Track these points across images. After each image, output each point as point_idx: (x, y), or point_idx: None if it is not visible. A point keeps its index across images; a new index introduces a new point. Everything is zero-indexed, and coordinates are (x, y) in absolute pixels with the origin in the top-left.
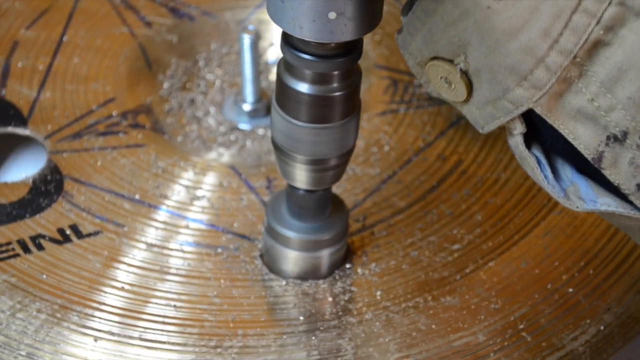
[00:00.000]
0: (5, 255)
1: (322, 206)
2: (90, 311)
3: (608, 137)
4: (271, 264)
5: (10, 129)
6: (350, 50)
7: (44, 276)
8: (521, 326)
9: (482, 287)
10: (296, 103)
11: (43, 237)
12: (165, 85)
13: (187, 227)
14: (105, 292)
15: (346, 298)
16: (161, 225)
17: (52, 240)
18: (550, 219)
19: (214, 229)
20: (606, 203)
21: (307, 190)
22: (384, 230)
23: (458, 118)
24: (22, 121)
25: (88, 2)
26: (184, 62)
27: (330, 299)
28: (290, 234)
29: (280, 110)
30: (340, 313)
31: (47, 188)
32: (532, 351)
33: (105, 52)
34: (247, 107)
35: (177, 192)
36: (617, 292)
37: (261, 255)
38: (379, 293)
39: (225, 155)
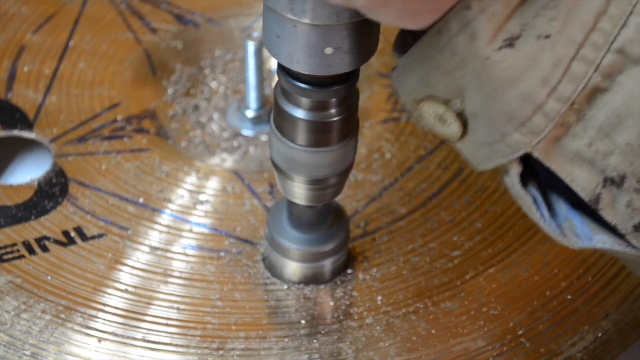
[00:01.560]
0: (10, 256)
1: (322, 219)
2: (94, 313)
3: (605, 180)
4: (273, 271)
5: (17, 133)
6: (348, 78)
7: (49, 278)
8: (520, 332)
9: (482, 294)
10: (293, 127)
11: (48, 239)
12: (170, 91)
13: (190, 231)
14: (109, 294)
15: (347, 303)
16: (165, 229)
17: (57, 242)
18: None
19: (217, 234)
20: (602, 240)
21: (307, 206)
22: (385, 236)
23: None
24: (28, 125)
25: (94, 8)
26: (189, 69)
27: (331, 304)
28: (291, 245)
29: (278, 133)
30: (342, 317)
31: (53, 191)
32: (531, 357)
33: (111, 58)
34: (250, 113)
35: (181, 197)
36: (615, 300)
37: (263, 260)
38: (380, 298)
39: (229, 161)
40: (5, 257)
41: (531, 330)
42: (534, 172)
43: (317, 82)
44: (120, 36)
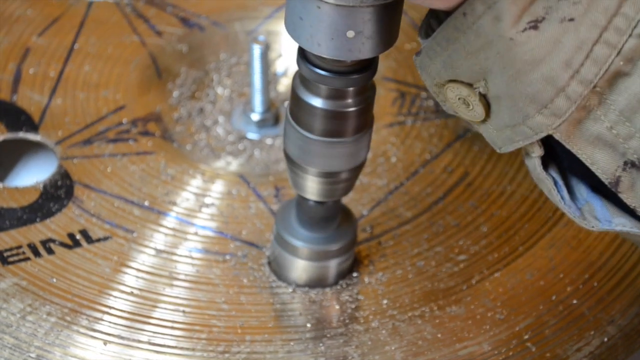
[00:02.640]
0: (16, 258)
1: (331, 217)
2: (99, 315)
3: (625, 163)
4: (279, 272)
5: (22, 135)
6: (366, 67)
7: (54, 280)
8: (526, 337)
9: (488, 298)
10: (310, 117)
11: (53, 241)
12: (175, 94)
13: (195, 234)
14: (115, 297)
15: (353, 306)
16: (170, 232)
17: (62, 244)
18: (556, 231)
19: (223, 236)
20: (621, 223)
21: (317, 202)
22: (390, 240)
23: (464, 131)
24: (33, 127)
25: (99, 10)
26: (194, 72)
27: (337, 307)
28: (298, 243)
29: (294, 123)
30: (347, 321)
31: (58, 193)
32: None
33: (116, 60)
34: (255, 116)
35: (186, 199)
36: (621, 305)
37: (269, 263)
38: (385, 302)
39: (234, 164)
40: (11, 259)
41: (537, 335)
42: (555, 155)
43: (336, 69)
44: (126, 39)
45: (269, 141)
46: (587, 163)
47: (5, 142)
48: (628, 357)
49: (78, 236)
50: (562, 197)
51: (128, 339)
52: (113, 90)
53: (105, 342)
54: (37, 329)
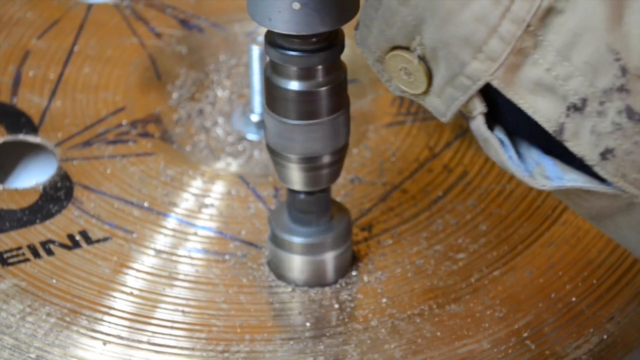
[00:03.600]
0: (15, 259)
1: (322, 209)
2: (99, 315)
3: (568, 108)
4: (277, 272)
5: (22, 137)
6: (331, 44)
7: (54, 281)
8: (525, 334)
9: (487, 296)
10: (284, 102)
11: (53, 242)
12: (175, 95)
13: (195, 234)
14: (114, 297)
15: (352, 305)
16: (170, 232)
17: (62, 245)
18: (554, 229)
19: (222, 237)
20: (573, 179)
21: (305, 193)
22: (390, 239)
23: (463, 130)
24: (33, 129)
25: (99, 13)
26: (193, 73)
27: (336, 306)
28: (292, 239)
29: (270, 112)
30: (346, 320)
31: (57, 195)
32: (536, 359)
33: (116, 62)
34: (255, 117)
35: (186, 200)
36: (620, 302)
37: (268, 263)
38: (384, 300)
39: (234, 165)
40: (11, 260)
41: (536, 333)
42: (502, 121)
43: (301, 48)
44: (125, 41)
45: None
46: (530, 112)
47: (5, 144)
48: (627, 354)
49: (78, 237)
50: (510, 156)
51: (128, 339)
52: (113, 92)
53: (105, 343)
54: (37, 329)
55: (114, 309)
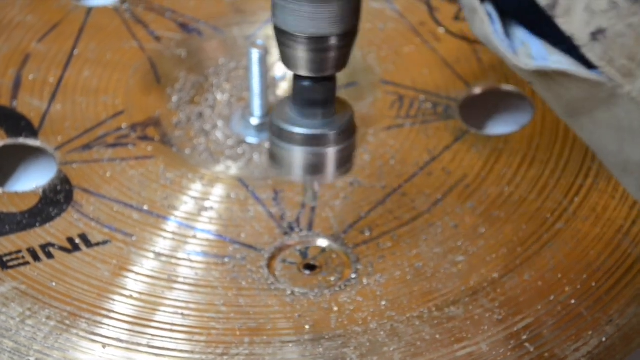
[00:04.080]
0: (15, 263)
1: (326, 98)
2: (99, 318)
3: None
4: (277, 168)
5: (22, 140)
6: None
7: (54, 284)
8: (524, 337)
9: (486, 299)
10: None
11: (53, 245)
12: (174, 98)
13: (194, 237)
14: (114, 300)
15: (351, 308)
16: (169, 236)
17: (62, 248)
18: (554, 232)
19: (222, 239)
20: (557, 61)
21: (311, 79)
22: (389, 241)
23: (462, 133)
24: (33, 132)
25: (98, 16)
26: (193, 77)
27: (335, 309)
28: (294, 129)
29: None
30: (346, 322)
31: (57, 198)
32: None
33: (115, 66)
34: (254, 121)
35: (185, 203)
36: (619, 305)
37: (269, 157)
38: (383, 303)
39: (233, 168)
40: (10, 263)
41: (535, 335)
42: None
43: None
44: (125, 44)
45: (268, 145)
46: None
47: (5, 147)
48: (626, 357)
49: (77, 240)
50: (495, 30)
51: (127, 342)
52: (112, 96)
53: (105, 346)
54: (37, 332)
55: (113, 312)
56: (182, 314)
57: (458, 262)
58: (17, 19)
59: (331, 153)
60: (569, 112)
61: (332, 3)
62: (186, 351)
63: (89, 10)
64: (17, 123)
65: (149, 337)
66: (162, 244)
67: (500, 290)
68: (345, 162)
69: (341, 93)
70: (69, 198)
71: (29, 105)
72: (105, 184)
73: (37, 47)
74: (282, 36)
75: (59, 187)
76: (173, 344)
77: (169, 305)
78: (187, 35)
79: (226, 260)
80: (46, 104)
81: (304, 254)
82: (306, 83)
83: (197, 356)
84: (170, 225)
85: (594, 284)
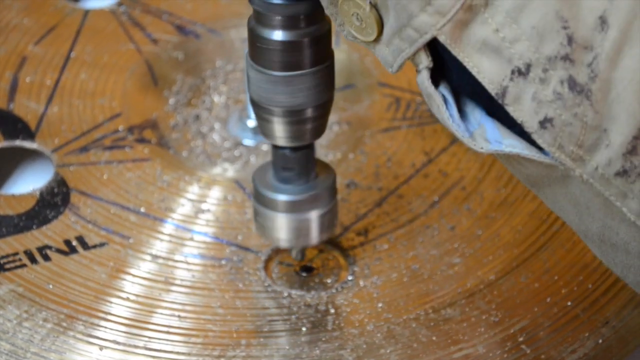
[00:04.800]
0: (12, 265)
1: (306, 165)
2: (96, 321)
3: (512, 71)
4: (262, 233)
5: (18, 143)
6: None
7: (50, 286)
8: (520, 339)
9: (482, 300)
10: (268, 53)
11: (49, 248)
12: (171, 101)
13: (191, 239)
14: (111, 302)
15: (348, 310)
16: (166, 238)
17: (59, 251)
18: (550, 234)
19: (218, 242)
20: (511, 145)
21: (289, 149)
22: (386, 243)
23: None
24: (30, 135)
25: (95, 19)
26: (190, 79)
27: (332, 310)
28: (276, 196)
29: (254, 64)
30: (342, 324)
31: (54, 200)
32: None
33: (112, 68)
34: (251, 123)
35: (182, 206)
36: (616, 306)
37: (255, 225)
38: (380, 305)
39: (230, 170)
40: (7, 265)
41: (531, 337)
42: (448, 77)
43: None
44: (122, 47)
45: (265, 147)
46: (474, 72)
47: (2, 150)
48: (623, 359)
49: (74, 243)
50: (451, 114)
51: (124, 344)
52: (109, 98)
53: (102, 348)
54: (34, 335)
55: (110, 314)
56: (179, 316)
57: (454, 264)
58: (13, 21)
59: (314, 217)
60: (530, 184)
61: (307, 76)
62: (183, 353)
63: (86, 12)
64: (14, 125)
65: (146, 339)
66: (159, 246)
67: (497, 292)
68: (329, 225)
69: (338, 95)
70: (65, 200)
71: (26, 108)
72: (102, 186)
73: (34, 50)
74: (258, 109)
75: (55, 190)
76: (170, 346)
77: (166, 308)
78: (184, 37)
79: (223, 262)
80: (43, 106)
81: (300, 256)
82: (285, 152)
83: (194, 358)
84: (167, 228)
85: (590, 286)
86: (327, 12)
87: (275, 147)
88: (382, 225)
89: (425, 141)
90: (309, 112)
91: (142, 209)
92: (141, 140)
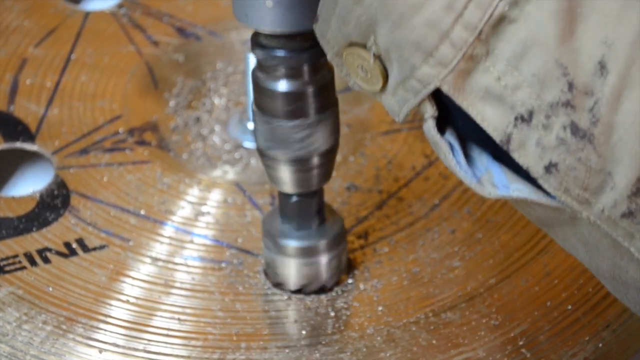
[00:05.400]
0: (12, 267)
1: (314, 212)
2: (95, 323)
3: (516, 118)
4: (273, 279)
5: (19, 145)
6: (316, 43)
7: (50, 289)
8: (521, 342)
9: (483, 304)
10: (273, 101)
11: (49, 250)
12: (171, 103)
13: (191, 242)
14: (111, 305)
15: (348, 313)
16: (166, 240)
17: (59, 253)
18: (550, 237)
19: (218, 244)
20: (518, 189)
21: (297, 195)
22: (386, 246)
23: None
24: (30, 137)
25: (96, 21)
26: (190, 81)
27: (332, 314)
28: (286, 242)
29: (259, 113)
30: (342, 328)
31: (54, 202)
32: None
33: (113, 70)
34: (252, 125)
35: (182, 208)
36: (616, 310)
37: (265, 272)
38: (380, 308)
39: (230, 173)
40: (7, 268)
41: (532, 341)
42: (453, 124)
43: (286, 47)
44: (122, 49)
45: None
46: (478, 120)
47: (2, 152)
48: None
49: (74, 245)
50: (458, 162)
51: (124, 347)
52: (109, 100)
53: (101, 351)
54: (33, 337)
55: (110, 317)
56: (178, 319)
57: (455, 268)
58: (14, 23)
59: (323, 262)
60: (540, 225)
61: (312, 124)
62: (183, 356)
63: (86, 14)
64: (14, 127)
65: (146, 342)
66: (159, 249)
67: (497, 296)
68: (338, 268)
69: (339, 97)
70: (66, 203)
71: (26, 110)
72: (103, 188)
73: (35, 52)
74: (265, 157)
75: (55, 192)
76: (169, 349)
77: (166, 310)
78: (184, 39)
79: (223, 265)
80: (43, 108)
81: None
82: (293, 199)
83: None
84: (167, 230)
85: (590, 290)
86: (332, 63)
87: (283, 194)
88: (382, 229)
89: (426, 144)
90: (315, 160)
91: (142, 212)
92: (141, 143)
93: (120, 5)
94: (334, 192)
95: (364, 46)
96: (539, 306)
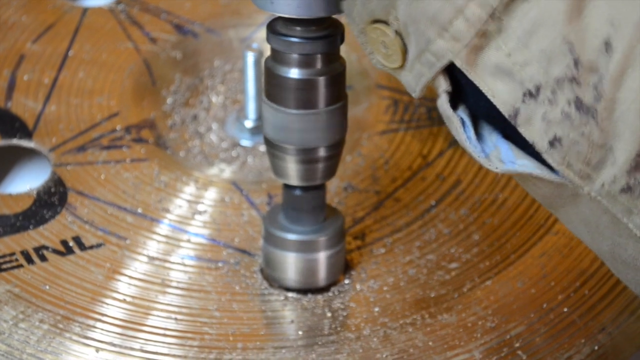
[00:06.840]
0: (8, 265)
1: (317, 206)
2: (92, 322)
3: (524, 94)
4: (270, 274)
5: (15, 141)
6: (331, 33)
7: (47, 287)
8: (517, 344)
9: (479, 306)
10: (284, 90)
11: (46, 248)
12: (169, 100)
13: (188, 241)
14: (107, 304)
15: (344, 314)
16: (163, 239)
17: (55, 251)
18: (547, 239)
19: (215, 244)
20: (524, 165)
21: (301, 188)
22: (382, 247)
23: None
24: (27, 134)
25: (94, 17)
26: (188, 79)
27: (328, 314)
28: (286, 235)
29: (269, 102)
30: (339, 328)
31: (51, 200)
32: None
33: (110, 67)
34: (249, 123)
35: (179, 207)
36: (612, 313)
37: (261, 270)
38: (376, 309)
39: (227, 171)
40: (4, 266)
41: (528, 343)
42: (465, 101)
43: (303, 35)
44: (120, 45)
45: (262, 148)
46: (488, 95)
47: None
48: None
49: (71, 243)
50: (468, 137)
51: (120, 346)
52: (107, 97)
53: (98, 350)
54: (30, 336)
55: (106, 315)
56: (175, 319)
57: (451, 269)
58: (11, 19)
59: (322, 258)
60: (546, 205)
61: (321, 115)
62: (179, 356)
63: (84, 11)
64: (11, 124)
65: (142, 341)
66: (156, 248)
67: (493, 298)
68: (336, 266)
69: None
70: (63, 200)
71: (24, 106)
72: (100, 186)
73: (32, 48)
74: (272, 147)
75: (53, 189)
76: (166, 348)
77: (162, 310)
78: (182, 36)
79: (220, 264)
80: (41, 105)
81: None
82: (296, 192)
83: None
84: (164, 229)
85: (586, 292)
86: (358, 40)
87: (287, 187)
88: (379, 229)
89: (423, 144)
90: (322, 152)
91: (139, 210)
92: (139, 140)
93: (118, 2)
94: (331, 192)
95: (386, 22)
96: (535, 308)
